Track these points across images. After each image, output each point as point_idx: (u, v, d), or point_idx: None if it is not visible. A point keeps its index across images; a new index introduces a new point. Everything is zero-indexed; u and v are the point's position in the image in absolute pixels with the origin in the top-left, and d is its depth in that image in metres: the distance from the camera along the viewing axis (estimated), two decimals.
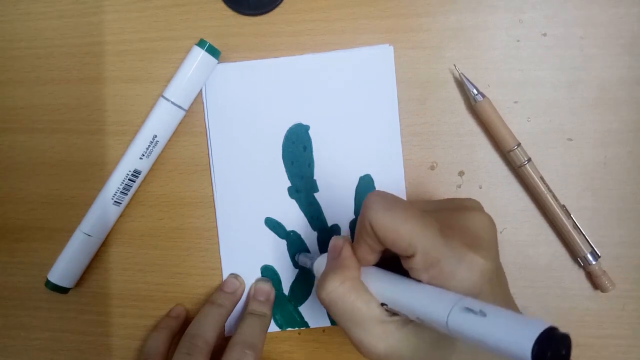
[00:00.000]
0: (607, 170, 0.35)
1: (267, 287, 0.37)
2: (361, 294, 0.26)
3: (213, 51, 0.36)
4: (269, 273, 0.37)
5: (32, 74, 0.39)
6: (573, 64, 0.35)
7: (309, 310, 0.37)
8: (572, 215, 0.35)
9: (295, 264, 0.37)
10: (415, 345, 0.26)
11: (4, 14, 0.40)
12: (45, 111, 0.39)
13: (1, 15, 0.40)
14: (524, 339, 0.17)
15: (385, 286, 0.26)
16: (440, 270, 0.24)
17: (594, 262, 0.34)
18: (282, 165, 0.37)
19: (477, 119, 0.36)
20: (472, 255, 0.24)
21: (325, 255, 0.30)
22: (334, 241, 0.29)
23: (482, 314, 0.19)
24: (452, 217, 0.26)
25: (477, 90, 0.35)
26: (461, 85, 0.36)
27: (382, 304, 0.26)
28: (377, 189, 0.36)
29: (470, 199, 0.29)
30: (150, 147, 0.36)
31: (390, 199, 0.25)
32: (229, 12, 0.38)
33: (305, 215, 0.37)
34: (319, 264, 0.30)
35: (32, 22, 0.39)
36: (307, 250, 0.37)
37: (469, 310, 0.20)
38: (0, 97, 0.40)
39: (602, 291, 0.34)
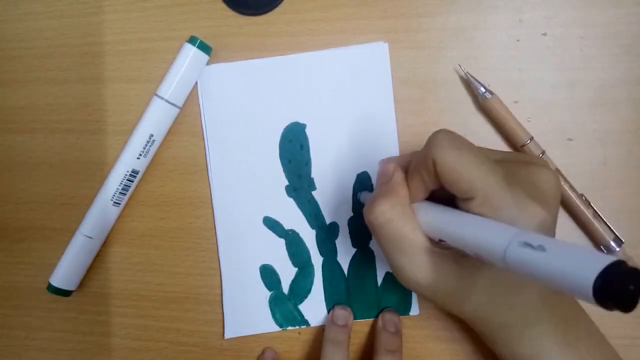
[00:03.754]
0: (607, 170, 0.35)
1: (395, 318, 0.36)
2: (409, 220, 0.26)
3: (204, 47, 0.36)
4: (267, 272, 0.37)
5: (32, 74, 0.39)
6: (573, 64, 0.35)
7: (309, 309, 0.37)
8: (591, 204, 0.34)
9: (297, 261, 0.37)
10: (452, 280, 0.26)
11: (4, 14, 0.40)
12: (45, 111, 0.39)
13: (1, 15, 0.40)
14: (586, 272, 0.15)
15: (441, 218, 0.25)
16: (499, 216, 0.23)
17: (617, 249, 0.34)
18: (280, 164, 0.37)
19: (477, 119, 0.36)
20: (535, 206, 0.24)
21: None
22: (384, 166, 0.28)
23: (541, 248, 0.18)
24: (518, 168, 0.26)
25: (484, 88, 0.35)
26: (461, 85, 0.36)
27: (440, 240, 0.25)
28: (374, 186, 0.36)
29: (537, 156, 0.28)
30: (147, 147, 0.36)
31: (458, 139, 0.25)
32: (229, 12, 0.38)
33: (304, 213, 0.37)
34: None
35: (32, 22, 0.39)
36: (304, 248, 0.37)
37: (528, 245, 0.19)
38: (0, 97, 0.40)
39: None
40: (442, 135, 0.25)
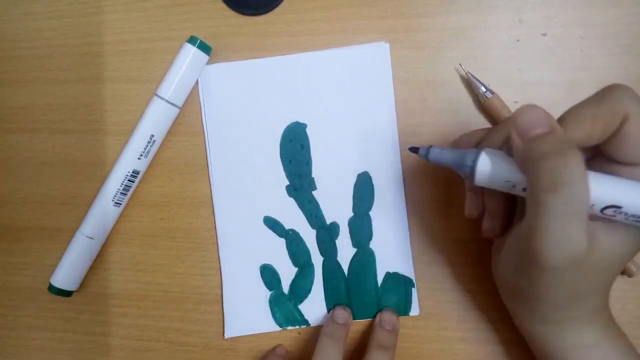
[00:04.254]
0: None
1: (393, 317, 0.36)
2: (587, 183, 0.22)
3: (204, 47, 0.36)
4: (268, 272, 0.37)
5: (32, 74, 0.39)
6: (573, 64, 0.35)
7: (309, 308, 0.37)
8: None
9: (297, 261, 0.37)
10: (611, 250, 0.24)
11: (4, 14, 0.40)
12: (45, 111, 0.39)
13: (1, 15, 0.40)
14: None
15: (619, 183, 0.23)
16: None
17: None
18: (280, 164, 0.37)
19: (478, 119, 0.36)
20: None
21: (493, 151, 0.26)
22: (532, 114, 0.23)
23: None
24: None
25: (485, 87, 0.35)
26: (462, 84, 0.36)
27: (610, 206, 0.23)
28: (375, 186, 0.36)
29: None
30: (148, 147, 0.36)
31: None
32: (229, 12, 0.38)
33: (304, 213, 0.37)
34: (486, 163, 0.26)
35: (32, 22, 0.39)
36: (304, 248, 0.37)
37: None
38: (0, 97, 0.40)
39: (629, 276, 0.34)
40: (633, 91, 0.23)
